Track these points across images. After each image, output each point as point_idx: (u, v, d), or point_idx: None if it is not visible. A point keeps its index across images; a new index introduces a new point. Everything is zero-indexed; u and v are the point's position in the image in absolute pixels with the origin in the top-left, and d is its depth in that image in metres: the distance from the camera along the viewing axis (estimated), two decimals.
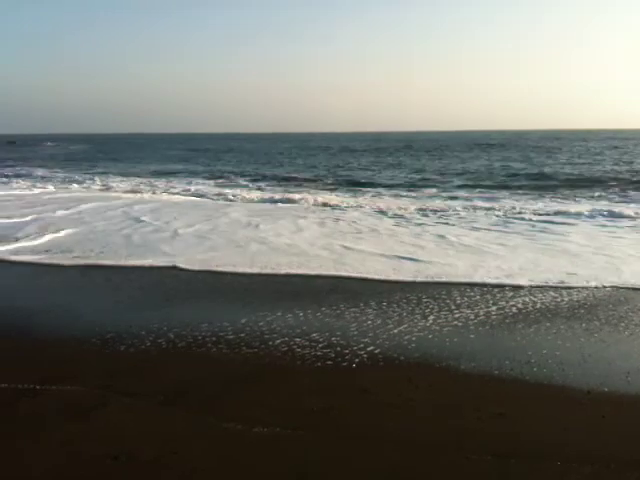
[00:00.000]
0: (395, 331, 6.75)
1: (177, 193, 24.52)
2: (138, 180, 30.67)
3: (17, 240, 12.40)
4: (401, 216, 16.92)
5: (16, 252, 11.23)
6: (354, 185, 28.54)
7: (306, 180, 31.02)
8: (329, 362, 5.85)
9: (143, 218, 16.04)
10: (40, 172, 36.79)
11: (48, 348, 6.27)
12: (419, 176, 33.13)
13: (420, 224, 15.34)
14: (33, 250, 11.44)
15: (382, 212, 17.87)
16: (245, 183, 29.60)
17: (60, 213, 16.96)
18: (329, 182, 29.99)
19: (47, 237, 12.68)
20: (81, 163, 49.39)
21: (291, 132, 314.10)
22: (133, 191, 25.11)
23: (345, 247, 11.84)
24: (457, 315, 7.36)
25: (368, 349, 6.16)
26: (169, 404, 4.91)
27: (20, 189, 25.67)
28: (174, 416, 4.69)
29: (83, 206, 18.72)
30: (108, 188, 26.67)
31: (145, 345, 6.31)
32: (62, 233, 13.29)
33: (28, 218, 15.83)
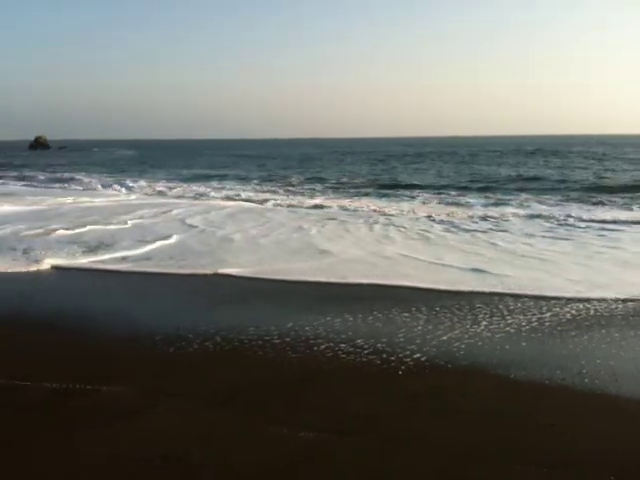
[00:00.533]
0: (444, 338, 6.68)
1: (233, 198, 24.62)
2: (194, 186, 30.92)
3: (116, 249, 12.24)
4: (451, 222, 16.72)
5: (106, 262, 11.16)
6: (401, 190, 28.50)
7: (355, 186, 30.90)
8: (376, 368, 5.84)
9: (206, 225, 16.10)
10: (101, 179, 37.24)
11: (102, 349, 6.44)
12: (467, 182, 32.77)
13: (471, 231, 15.15)
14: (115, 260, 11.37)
15: (431, 218, 17.68)
16: (295, 189, 29.58)
17: (148, 221, 16.93)
18: (376, 188, 29.82)
19: (150, 246, 12.57)
20: (134, 168, 50.55)
21: (334, 138, 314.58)
22: (195, 197, 25.40)
23: (401, 255, 11.68)
24: (508, 322, 7.26)
25: (415, 356, 6.11)
26: (217, 406, 4.97)
27: (108, 196, 25.88)
28: (222, 418, 4.74)
29: (154, 217, 18.27)
30: (167, 194, 26.93)
31: (194, 348, 6.41)
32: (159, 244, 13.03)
33: (128, 225, 15.86)
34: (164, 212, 19.00)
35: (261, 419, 4.71)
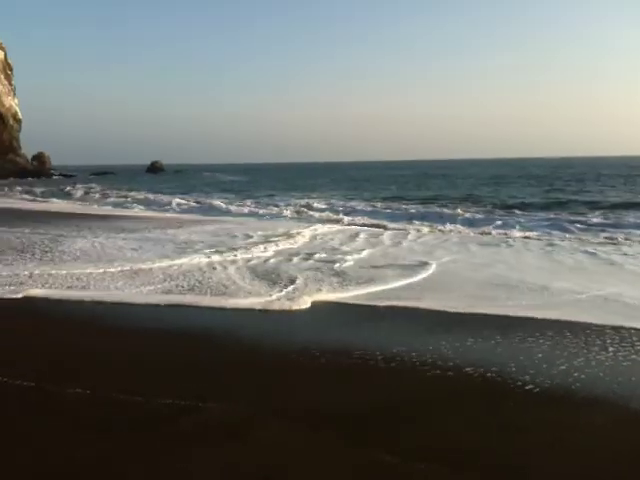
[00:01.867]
0: (562, 368, 6.36)
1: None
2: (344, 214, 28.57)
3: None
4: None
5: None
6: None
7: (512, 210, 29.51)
8: (490, 398, 5.63)
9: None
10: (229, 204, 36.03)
11: (212, 365, 6.56)
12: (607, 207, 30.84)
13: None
14: None
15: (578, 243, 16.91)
16: (444, 211, 28.24)
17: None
18: (518, 211, 28.43)
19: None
20: (261, 192, 50.49)
21: (445, 159, 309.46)
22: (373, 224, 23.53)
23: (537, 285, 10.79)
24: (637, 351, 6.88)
25: (527, 387, 5.84)
26: (322, 429, 4.93)
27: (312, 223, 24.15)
28: (326, 442, 4.70)
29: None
30: (342, 221, 25.24)
31: (303, 368, 6.44)
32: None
33: (364, 254, 14.65)
34: (375, 237, 18.36)
35: (361, 445, 4.63)
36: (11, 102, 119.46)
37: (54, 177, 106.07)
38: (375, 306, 9.32)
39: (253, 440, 4.69)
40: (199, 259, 13.36)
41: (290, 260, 13.48)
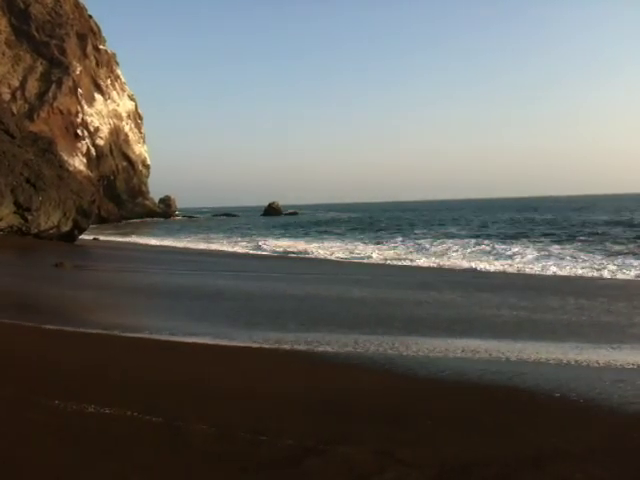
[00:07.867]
0: None
1: None
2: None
3: None
4: None
5: None
6: None
7: None
8: None
9: None
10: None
11: (349, 406, 6.33)
12: None
13: None
14: None
15: None
16: None
17: None
18: None
19: None
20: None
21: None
22: None
23: None
24: None
25: None
26: None
27: None
28: None
29: None
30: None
31: (436, 414, 6.09)
32: None
33: None
34: None
35: None
36: (141, 149, 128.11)
37: (177, 218, 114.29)
38: None
39: None
40: None
41: None
